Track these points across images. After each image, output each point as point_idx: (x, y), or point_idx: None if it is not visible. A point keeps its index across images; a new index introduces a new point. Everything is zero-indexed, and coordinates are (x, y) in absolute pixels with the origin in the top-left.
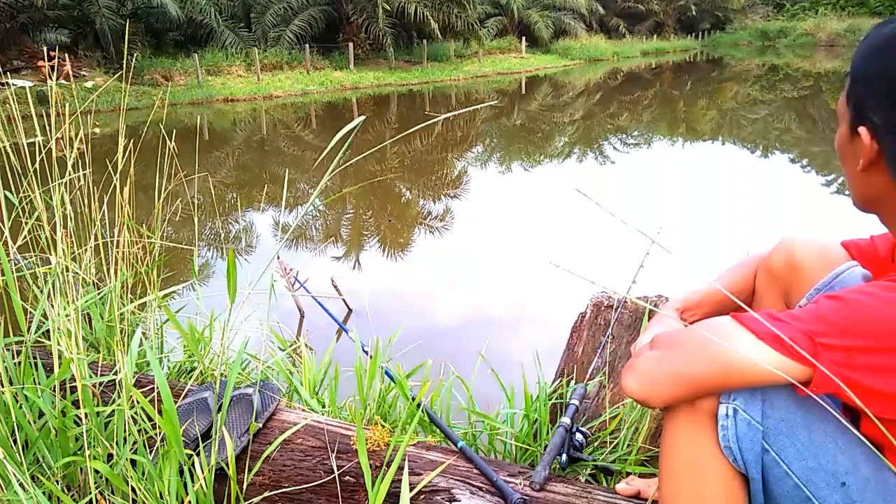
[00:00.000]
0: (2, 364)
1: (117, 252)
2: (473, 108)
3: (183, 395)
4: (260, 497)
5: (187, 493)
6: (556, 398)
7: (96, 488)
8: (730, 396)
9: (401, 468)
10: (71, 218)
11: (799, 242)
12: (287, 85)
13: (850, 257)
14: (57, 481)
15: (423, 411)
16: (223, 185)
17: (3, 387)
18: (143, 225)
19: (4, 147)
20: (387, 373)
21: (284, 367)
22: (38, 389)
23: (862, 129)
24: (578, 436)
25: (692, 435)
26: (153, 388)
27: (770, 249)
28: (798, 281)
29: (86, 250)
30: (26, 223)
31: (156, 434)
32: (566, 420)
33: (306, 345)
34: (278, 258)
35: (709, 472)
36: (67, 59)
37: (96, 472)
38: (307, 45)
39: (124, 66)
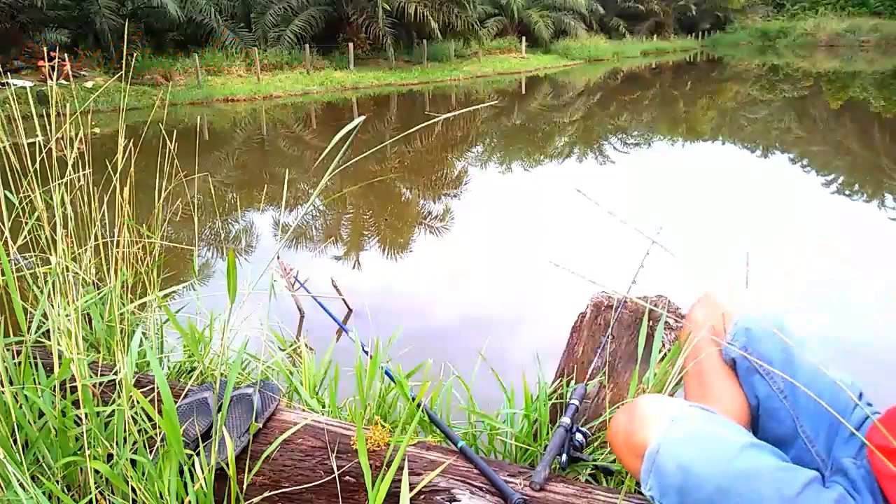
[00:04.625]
0: (2, 364)
1: (117, 252)
2: (473, 108)
3: (183, 396)
4: (260, 497)
5: (187, 493)
6: (556, 398)
7: (96, 488)
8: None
9: (401, 468)
10: (71, 218)
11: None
12: (287, 85)
13: None
14: (57, 481)
15: (423, 411)
16: (223, 185)
17: (3, 387)
18: (143, 225)
19: (4, 147)
20: (387, 373)
21: (284, 367)
22: (38, 389)
23: None
24: (578, 436)
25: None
26: (153, 388)
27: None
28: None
29: (86, 250)
30: (26, 223)
31: (156, 434)
32: (566, 420)
33: (306, 345)
34: (278, 258)
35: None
36: (67, 59)
37: (96, 472)
38: (307, 45)
39: (124, 66)
